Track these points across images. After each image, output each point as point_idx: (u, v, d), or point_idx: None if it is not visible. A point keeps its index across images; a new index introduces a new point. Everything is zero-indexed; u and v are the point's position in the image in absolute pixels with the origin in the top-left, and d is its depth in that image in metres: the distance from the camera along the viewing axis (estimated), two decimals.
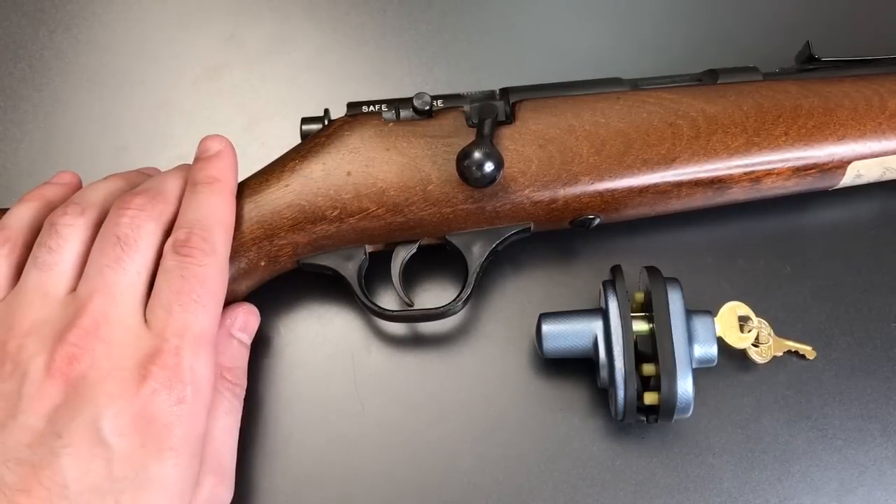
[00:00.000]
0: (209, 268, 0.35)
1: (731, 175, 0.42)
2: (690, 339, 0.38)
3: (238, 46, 0.53)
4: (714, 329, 0.39)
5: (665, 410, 0.37)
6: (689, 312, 0.39)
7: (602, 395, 0.42)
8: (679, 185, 0.42)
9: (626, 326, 0.38)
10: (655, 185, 0.41)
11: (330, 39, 0.53)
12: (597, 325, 0.40)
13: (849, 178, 0.44)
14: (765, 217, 0.47)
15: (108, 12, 0.54)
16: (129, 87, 0.52)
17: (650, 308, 0.39)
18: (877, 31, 0.52)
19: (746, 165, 0.42)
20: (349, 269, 0.42)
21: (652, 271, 0.40)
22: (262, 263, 0.41)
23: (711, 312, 0.40)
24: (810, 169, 0.43)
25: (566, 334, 0.40)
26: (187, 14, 0.54)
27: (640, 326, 0.39)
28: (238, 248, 0.40)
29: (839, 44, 0.46)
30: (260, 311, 0.45)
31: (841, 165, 0.43)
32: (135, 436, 0.31)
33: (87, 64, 0.52)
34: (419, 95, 0.41)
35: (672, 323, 0.38)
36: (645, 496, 0.40)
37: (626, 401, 0.38)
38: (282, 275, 0.43)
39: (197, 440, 0.33)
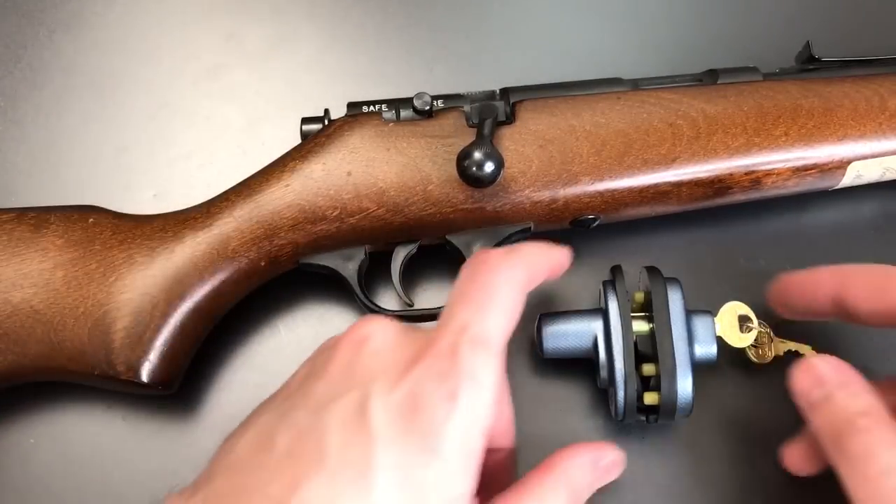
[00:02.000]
0: (498, 274, 0.33)
1: (731, 175, 0.42)
2: (690, 339, 0.38)
3: (238, 46, 0.53)
4: (714, 329, 0.39)
5: (665, 410, 0.37)
6: (689, 312, 0.39)
7: (602, 395, 0.42)
8: (679, 185, 0.42)
9: (626, 326, 0.38)
10: (655, 185, 0.41)
11: (330, 39, 0.53)
12: (597, 326, 0.39)
13: (849, 179, 0.44)
14: (765, 217, 0.47)
15: (108, 12, 0.54)
16: (130, 87, 0.52)
17: (650, 308, 0.38)
18: (877, 31, 0.52)
19: (746, 165, 0.42)
20: (349, 269, 0.42)
21: (652, 271, 0.39)
22: (263, 263, 0.41)
23: (711, 312, 0.40)
24: (810, 169, 0.43)
25: (566, 334, 0.40)
26: (187, 14, 0.54)
27: (640, 326, 0.39)
28: (238, 248, 0.40)
29: (839, 44, 0.46)
30: (260, 311, 0.45)
31: (841, 165, 0.43)
32: (400, 421, 0.29)
33: (87, 64, 0.52)
34: (419, 95, 0.41)
35: (672, 323, 0.38)
36: (645, 496, 0.40)
37: (627, 401, 0.38)
38: (282, 275, 0.43)
39: (469, 455, 0.30)
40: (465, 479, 0.30)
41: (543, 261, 0.35)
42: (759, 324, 0.41)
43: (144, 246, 0.40)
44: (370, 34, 0.53)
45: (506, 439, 0.36)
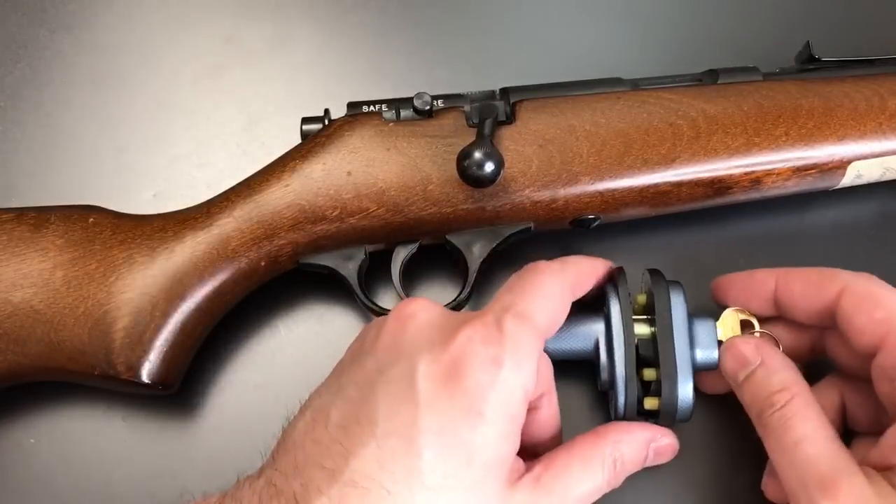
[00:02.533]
0: (545, 274, 0.36)
1: (731, 175, 0.42)
2: (692, 344, 0.38)
3: (238, 46, 0.53)
4: (716, 334, 0.39)
5: (665, 416, 0.37)
6: (691, 317, 0.38)
7: (601, 397, 0.42)
8: (679, 185, 0.42)
9: (628, 331, 0.37)
10: (655, 185, 0.41)
11: (330, 39, 0.53)
12: (598, 328, 0.39)
13: (849, 179, 0.44)
14: (765, 217, 0.47)
15: (108, 12, 0.54)
16: (130, 87, 0.52)
17: (652, 310, 0.38)
18: (877, 31, 0.52)
19: (746, 165, 0.42)
20: (349, 269, 0.42)
21: (655, 275, 0.39)
22: (263, 263, 0.41)
23: (714, 317, 0.39)
24: (810, 169, 0.43)
25: (567, 336, 0.39)
26: (187, 14, 0.54)
27: (642, 329, 0.38)
28: (238, 248, 0.40)
29: (839, 44, 0.46)
30: (260, 311, 0.45)
31: (841, 165, 0.43)
32: (444, 387, 0.31)
33: (88, 64, 0.52)
34: (419, 95, 0.41)
35: (674, 329, 0.37)
36: (646, 499, 0.40)
37: (627, 405, 0.37)
38: (282, 275, 0.43)
39: (512, 420, 0.32)
40: (508, 441, 0.32)
41: (590, 271, 0.38)
42: (762, 334, 0.40)
43: (144, 246, 0.40)
44: (370, 34, 0.53)
45: (549, 403, 0.38)
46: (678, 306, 0.38)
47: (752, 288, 0.39)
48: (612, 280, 0.39)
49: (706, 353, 0.38)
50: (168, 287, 0.39)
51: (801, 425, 0.33)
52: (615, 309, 0.38)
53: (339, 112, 0.43)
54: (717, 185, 0.42)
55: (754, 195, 0.44)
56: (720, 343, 0.39)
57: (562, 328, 0.38)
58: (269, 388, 0.44)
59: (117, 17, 0.54)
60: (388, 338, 0.33)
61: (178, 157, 0.49)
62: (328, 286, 0.44)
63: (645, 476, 0.38)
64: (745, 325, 0.40)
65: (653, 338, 0.38)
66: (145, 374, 0.39)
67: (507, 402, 0.31)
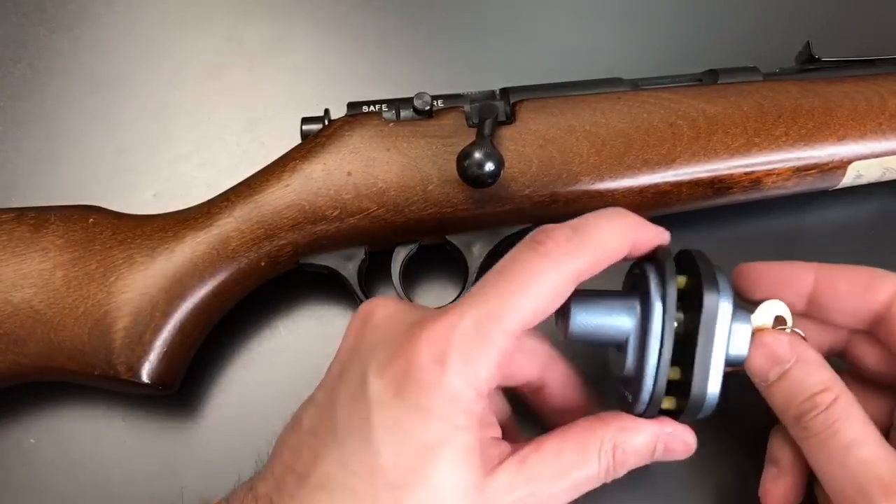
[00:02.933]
0: (538, 264, 0.32)
1: (731, 175, 0.42)
2: (728, 346, 0.33)
3: (238, 46, 0.53)
4: (750, 332, 0.35)
5: (688, 416, 0.34)
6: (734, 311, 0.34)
7: (610, 376, 0.38)
8: (679, 185, 0.42)
9: (667, 330, 0.33)
10: (655, 185, 0.41)
11: (330, 39, 0.53)
12: (634, 314, 0.34)
13: (849, 179, 0.44)
14: (765, 217, 0.47)
15: (108, 12, 0.54)
16: (130, 87, 0.52)
17: (688, 298, 0.33)
18: (877, 31, 0.52)
19: (746, 166, 0.42)
20: (349, 269, 0.42)
21: (702, 261, 0.34)
22: (263, 263, 0.41)
23: (749, 311, 0.35)
24: (810, 169, 0.43)
25: (600, 319, 0.34)
26: (187, 14, 0.54)
27: (677, 318, 0.34)
28: (238, 248, 0.40)
29: (839, 44, 0.46)
30: (260, 311, 0.45)
31: (841, 165, 0.43)
32: (392, 384, 0.30)
33: (88, 64, 0.52)
34: (419, 95, 0.41)
35: (716, 332, 0.33)
36: (643, 494, 0.40)
37: (650, 406, 0.33)
38: (282, 275, 0.43)
39: (468, 414, 0.30)
40: (468, 432, 0.31)
41: (618, 245, 0.33)
42: (792, 328, 0.36)
43: (144, 246, 0.40)
44: (370, 34, 0.53)
45: (555, 378, 0.37)
46: (726, 297, 0.33)
47: (786, 281, 0.36)
48: (656, 260, 0.34)
49: (738, 351, 0.34)
50: (168, 287, 0.39)
51: (849, 428, 0.31)
52: (657, 308, 0.33)
53: (339, 112, 0.43)
54: (717, 185, 0.42)
55: (754, 195, 0.44)
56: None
57: (595, 311, 0.34)
58: (269, 388, 0.44)
59: (117, 17, 0.54)
60: (348, 340, 0.34)
61: (178, 157, 0.50)
62: (328, 286, 0.44)
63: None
64: (778, 322, 0.36)
65: (686, 328, 0.33)
66: (145, 374, 0.39)
67: (455, 399, 0.30)
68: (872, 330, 0.35)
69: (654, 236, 0.34)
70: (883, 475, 0.30)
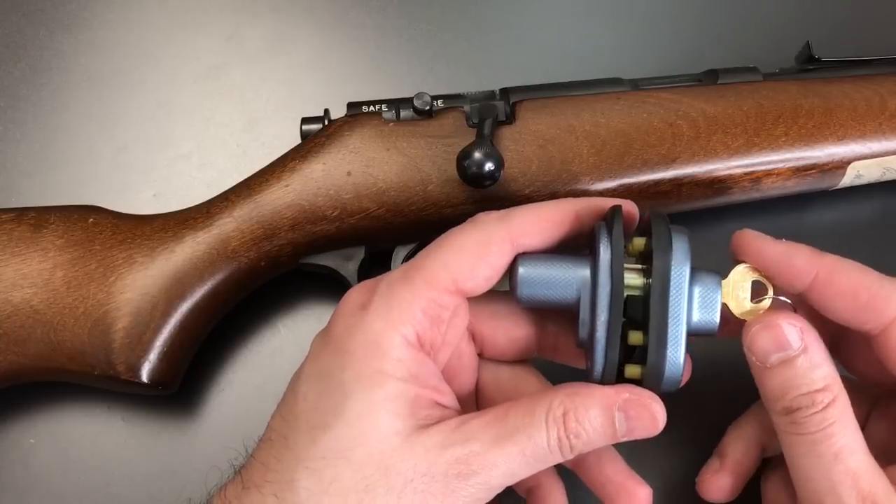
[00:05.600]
0: (467, 228, 0.34)
1: (731, 175, 0.42)
2: (690, 304, 0.32)
3: (238, 46, 0.53)
4: (718, 296, 0.33)
5: (648, 387, 0.32)
6: (695, 270, 0.32)
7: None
8: (679, 185, 0.42)
9: (616, 281, 0.31)
10: (655, 185, 0.41)
11: (330, 39, 0.53)
12: (583, 274, 0.33)
13: (849, 179, 0.44)
14: (765, 217, 0.47)
15: (108, 12, 0.54)
16: (129, 87, 0.52)
17: (649, 259, 0.32)
18: (877, 31, 0.52)
19: (746, 166, 0.42)
20: (349, 269, 0.42)
21: (656, 217, 0.32)
22: (262, 263, 0.41)
23: (719, 273, 0.33)
24: (810, 169, 0.43)
25: (547, 281, 0.33)
26: (187, 14, 0.54)
27: (634, 280, 0.32)
28: (238, 249, 0.40)
29: (839, 44, 0.47)
30: (260, 311, 0.45)
31: (841, 166, 0.43)
32: (322, 336, 0.33)
33: (87, 64, 0.52)
34: (419, 95, 0.41)
35: (672, 284, 0.31)
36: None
37: (606, 371, 0.31)
38: (282, 275, 0.43)
39: (388, 359, 0.31)
40: (389, 379, 0.31)
41: (548, 216, 0.33)
42: (777, 297, 0.34)
43: (144, 246, 0.40)
44: (370, 34, 0.53)
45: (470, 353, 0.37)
46: (680, 260, 0.32)
47: (786, 268, 0.33)
48: (606, 219, 0.33)
49: (705, 317, 0.32)
50: (168, 287, 0.39)
51: (842, 434, 0.30)
52: (604, 257, 0.32)
53: (339, 112, 0.43)
54: (717, 185, 0.42)
55: (754, 195, 0.44)
56: (725, 306, 0.33)
57: (541, 272, 0.33)
58: (269, 388, 0.43)
59: (117, 16, 0.54)
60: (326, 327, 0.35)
61: (178, 157, 0.50)
62: (328, 286, 0.44)
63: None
64: (756, 288, 0.34)
65: (645, 292, 0.32)
66: (145, 374, 0.39)
67: (377, 343, 0.31)
68: (868, 337, 0.33)
69: (601, 203, 0.34)
70: (864, 488, 0.30)
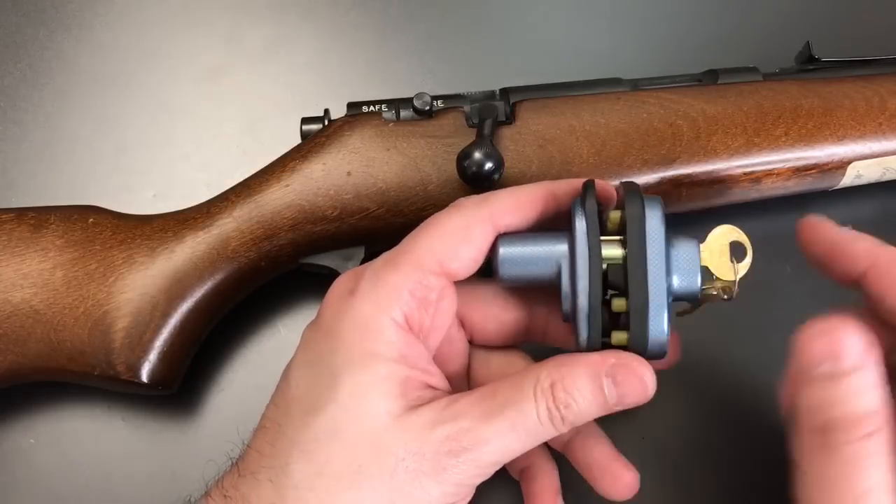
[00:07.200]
0: (448, 212, 0.34)
1: (731, 175, 0.42)
2: (669, 269, 0.32)
3: (238, 46, 0.53)
4: (698, 257, 0.33)
5: (634, 353, 0.31)
6: (671, 237, 0.33)
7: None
8: (679, 186, 0.42)
9: (593, 252, 0.32)
10: (655, 186, 0.41)
11: (330, 39, 0.53)
12: (562, 249, 0.33)
13: (849, 179, 0.44)
14: (765, 217, 0.47)
15: (108, 12, 0.54)
16: (130, 87, 0.52)
17: (626, 230, 0.32)
18: (877, 31, 0.52)
19: (746, 166, 0.42)
20: (349, 269, 0.42)
21: (628, 187, 0.33)
22: (262, 263, 0.41)
23: (698, 238, 0.34)
24: (810, 169, 0.43)
25: (526, 259, 0.34)
26: (187, 14, 0.54)
27: (613, 251, 0.32)
28: (238, 248, 0.40)
29: (839, 44, 0.46)
30: (260, 312, 0.45)
31: (841, 166, 0.43)
32: (313, 325, 0.34)
33: (88, 64, 0.52)
34: (419, 95, 0.42)
35: (648, 250, 0.31)
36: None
37: (590, 339, 0.31)
38: (282, 275, 0.43)
39: (378, 341, 0.31)
40: (379, 361, 0.31)
41: (525, 197, 0.34)
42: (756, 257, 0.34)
43: (144, 246, 0.40)
44: (370, 34, 0.53)
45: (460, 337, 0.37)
46: (654, 224, 0.32)
47: (842, 252, 0.31)
48: (581, 194, 0.34)
49: (685, 280, 0.32)
50: (168, 287, 0.39)
51: (875, 471, 0.27)
52: (580, 226, 0.32)
53: (339, 112, 0.43)
54: (717, 185, 0.42)
55: (754, 195, 0.44)
56: (706, 270, 0.33)
57: (520, 251, 0.34)
58: (269, 388, 0.43)
59: (117, 16, 0.54)
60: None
61: (178, 157, 0.50)
62: (328, 286, 0.44)
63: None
64: (736, 249, 0.34)
65: (624, 261, 0.32)
66: (145, 374, 0.39)
67: (365, 326, 0.31)
68: None
69: (577, 183, 0.34)
70: None
